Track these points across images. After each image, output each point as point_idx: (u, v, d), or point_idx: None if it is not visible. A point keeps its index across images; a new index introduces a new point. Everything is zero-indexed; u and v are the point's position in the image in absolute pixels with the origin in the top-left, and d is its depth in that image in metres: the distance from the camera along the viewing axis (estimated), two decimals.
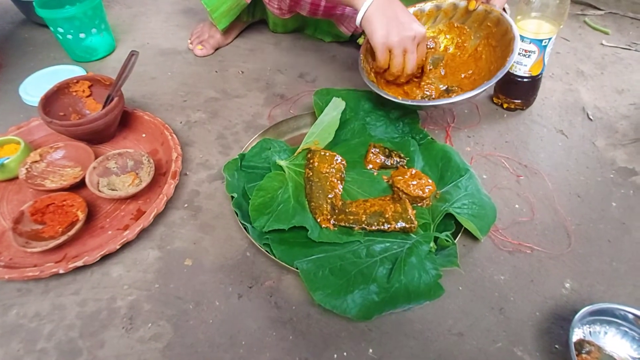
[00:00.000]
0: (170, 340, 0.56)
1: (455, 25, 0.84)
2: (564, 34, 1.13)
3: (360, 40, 1.05)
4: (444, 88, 0.81)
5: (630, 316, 0.54)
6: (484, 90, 0.69)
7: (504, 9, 0.78)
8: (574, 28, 1.16)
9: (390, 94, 0.74)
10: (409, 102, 0.74)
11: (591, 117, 0.88)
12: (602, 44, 1.09)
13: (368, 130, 0.78)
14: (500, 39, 0.76)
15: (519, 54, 0.79)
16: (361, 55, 0.80)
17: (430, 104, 0.74)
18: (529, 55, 0.78)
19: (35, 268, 0.59)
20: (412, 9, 0.82)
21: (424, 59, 0.75)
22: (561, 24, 0.77)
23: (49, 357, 0.54)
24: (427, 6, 0.82)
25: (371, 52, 0.79)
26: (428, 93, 0.80)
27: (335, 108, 0.76)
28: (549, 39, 0.76)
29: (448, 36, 0.85)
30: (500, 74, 0.69)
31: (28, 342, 0.56)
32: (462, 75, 0.82)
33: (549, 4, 0.75)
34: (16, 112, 0.89)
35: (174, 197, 0.72)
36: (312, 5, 0.91)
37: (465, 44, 0.83)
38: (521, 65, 0.80)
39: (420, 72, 0.79)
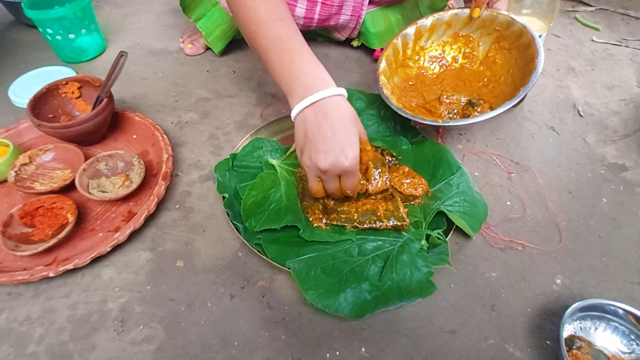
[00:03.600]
0: (162, 342, 0.55)
1: (461, 35, 0.82)
2: (555, 31, 1.13)
3: (355, 43, 1.05)
4: (465, 100, 0.76)
5: (621, 311, 0.54)
6: (514, 104, 0.68)
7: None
8: (565, 25, 1.16)
9: (423, 117, 0.71)
10: (444, 124, 0.69)
11: (582, 114, 0.88)
12: (592, 40, 1.10)
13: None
14: (514, 41, 0.74)
15: None
16: (380, 84, 0.76)
17: (462, 123, 0.70)
18: None
19: (25, 272, 0.58)
20: (413, 27, 0.81)
21: (350, 192, 0.61)
22: (552, 21, 0.77)
23: None
24: (429, 21, 0.80)
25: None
26: (449, 112, 0.76)
27: None
28: (540, 36, 0.77)
29: (454, 46, 0.83)
30: (530, 85, 0.67)
31: (18, 346, 0.55)
32: (480, 84, 0.80)
33: (540, 1, 0.76)
34: (5, 114, 0.88)
35: (165, 198, 0.71)
36: (305, 20, 0.90)
37: (474, 53, 0.82)
38: None
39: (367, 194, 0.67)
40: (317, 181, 0.60)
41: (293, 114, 0.59)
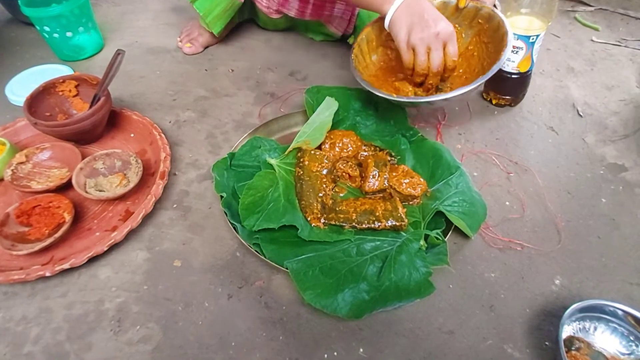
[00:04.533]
0: (159, 342, 0.55)
1: None
2: (555, 31, 1.13)
3: (351, 40, 1.05)
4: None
5: (620, 312, 0.54)
6: (478, 86, 0.69)
7: (494, 5, 0.77)
8: (565, 24, 1.16)
9: (385, 92, 0.72)
10: (405, 100, 0.71)
11: (581, 114, 0.88)
12: (592, 40, 1.09)
13: (358, 129, 0.78)
14: (492, 35, 0.75)
15: None
16: (352, 56, 0.79)
17: (425, 100, 0.70)
18: (517, 52, 0.78)
19: (21, 271, 0.58)
20: None
21: (454, 59, 0.70)
22: (550, 20, 0.77)
23: None
24: None
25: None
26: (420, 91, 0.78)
27: (328, 108, 0.75)
28: (537, 35, 0.76)
29: None
30: (495, 68, 0.69)
31: (15, 346, 0.55)
32: (454, 74, 0.79)
33: (539, 0, 0.75)
34: (2, 113, 0.88)
35: (163, 198, 0.71)
36: (300, 5, 0.90)
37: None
38: (509, 61, 0.80)
39: (450, 72, 0.72)
40: (426, 54, 0.68)
41: (392, 10, 0.69)
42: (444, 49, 0.68)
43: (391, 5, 0.69)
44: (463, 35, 0.80)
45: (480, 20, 0.77)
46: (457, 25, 0.80)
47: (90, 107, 0.74)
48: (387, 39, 0.84)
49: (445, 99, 0.68)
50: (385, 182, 0.66)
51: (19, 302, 0.59)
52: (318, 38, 1.08)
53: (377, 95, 0.72)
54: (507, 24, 0.72)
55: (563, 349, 0.49)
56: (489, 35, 0.75)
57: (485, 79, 0.68)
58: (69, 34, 0.96)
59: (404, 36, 0.68)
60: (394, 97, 0.71)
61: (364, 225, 0.63)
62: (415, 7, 0.68)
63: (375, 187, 0.65)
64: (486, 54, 0.76)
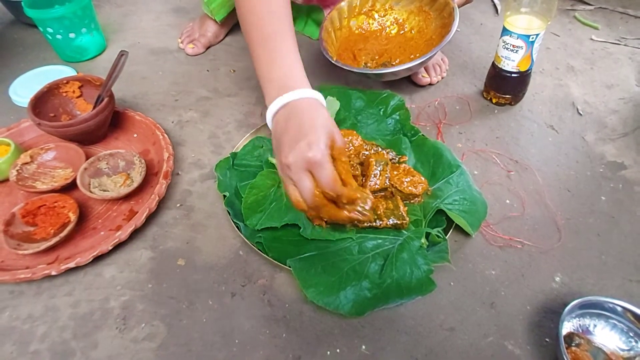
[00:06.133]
0: (163, 339, 0.56)
1: (424, 10, 0.89)
2: (554, 30, 1.13)
3: None
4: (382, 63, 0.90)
5: (619, 309, 0.55)
6: (429, 58, 0.77)
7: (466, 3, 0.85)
8: (564, 23, 1.16)
9: (349, 65, 0.82)
10: (366, 71, 0.81)
11: (581, 112, 0.88)
12: (591, 39, 1.10)
13: (360, 129, 0.79)
14: (447, 25, 0.81)
15: (507, 48, 0.80)
16: (325, 22, 0.87)
17: (385, 71, 0.80)
18: (517, 51, 0.79)
19: (27, 270, 0.59)
20: None
21: (332, 185, 0.52)
22: (549, 19, 0.77)
23: (42, 358, 0.54)
24: None
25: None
26: (365, 64, 0.91)
27: (329, 108, 0.76)
28: (537, 34, 0.77)
29: (417, 18, 0.91)
30: (440, 46, 0.76)
31: (21, 344, 0.56)
32: (411, 56, 0.89)
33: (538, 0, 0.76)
34: (6, 114, 0.89)
35: (167, 197, 0.72)
36: None
37: (425, 30, 0.89)
38: (509, 60, 0.81)
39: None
40: (291, 186, 0.54)
41: (267, 118, 0.58)
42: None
43: (268, 108, 0.58)
44: (432, 24, 0.88)
45: (445, 14, 0.84)
46: (431, 13, 0.88)
47: (94, 107, 0.75)
48: (371, 9, 0.93)
49: (392, 72, 0.79)
50: (387, 181, 0.66)
51: (25, 301, 0.60)
52: (315, 36, 1.08)
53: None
54: (455, 23, 0.79)
55: (563, 345, 0.50)
56: (448, 29, 0.81)
57: (433, 54, 0.77)
58: (71, 35, 0.97)
59: (275, 159, 0.57)
60: (357, 70, 0.80)
61: (365, 224, 0.63)
62: (281, 126, 0.55)
63: (376, 186, 0.66)
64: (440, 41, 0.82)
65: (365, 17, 0.93)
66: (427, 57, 0.76)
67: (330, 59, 0.81)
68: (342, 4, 0.90)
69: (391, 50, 0.92)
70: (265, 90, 0.60)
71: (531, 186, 0.74)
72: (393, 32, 0.94)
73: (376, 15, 0.94)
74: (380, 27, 0.95)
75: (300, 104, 0.55)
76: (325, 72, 0.99)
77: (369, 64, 0.91)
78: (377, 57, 0.92)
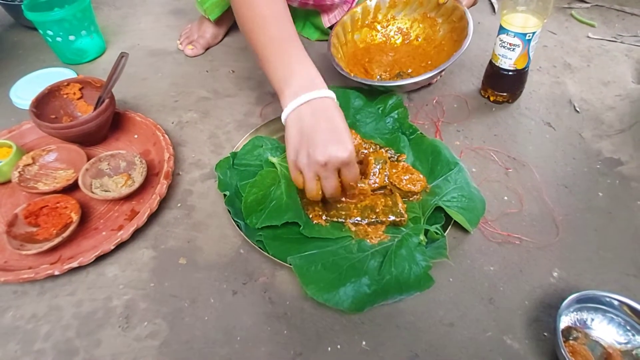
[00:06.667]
0: (166, 337, 0.56)
1: (428, 16, 0.90)
2: (551, 27, 1.14)
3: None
4: (397, 73, 0.90)
5: (616, 303, 0.55)
6: (443, 70, 0.78)
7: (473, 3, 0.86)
8: (561, 21, 1.17)
9: (361, 77, 0.83)
10: (377, 84, 0.80)
11: (578, 109, 0.89)
12: (588, 37, 1.10)
13: (358, 128, 0.79)
14: (460, 33, 0.81)
15: (504, 46, 0.80)
16: (332, 35, 0.87)
17: (394, 84, 0.80)
18: (513, 49, 0.80)
19: (30, 270, 0.59)
20: None
21: (353, 184, 0.61)
22: (546, 17, 0.78)
23: (46, 357, 0.55)
24: None
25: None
26: (380, 76, 0.90)
27: None
28: (533, 32, 0.77)
29: (421, 25, 0.91)
30: (456, 55, 0.77)
31: (25, 343, 0.56)
32: (423, 64, 0.89)
33: None
34: (7, 116, 0.89)
35: (168, 197, 0.72)
36: None
37: (433, 36, 0.89)
38: (506, 58, 0.82)
39: (361, 193, 0.66)
40: (315, 181, 0.59)
41: (286, 111, 0.59)
42: (340, 173, 0.59)
43: (288, 103, 0.59)
44: (440, 29, 0.88)
45: (454, 19, 0.84)
46: (437, 19, 0.89)
47: (95, 109, 0.76)
48: (373, 20, 0.94)
49: (415, 82, 0.79)
50: (386, 179, 0.67)
51: (28, 301, 0.60)
52: (314, 37, 1.09)
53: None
54: (470, 28, 0.80)
55: (561, 339, 0.51)
56: (458, 33, 0.82)
57: (449, 65, 0.77)
58: (71, 37, 0.98)
59: (291, 153, 0.59)
60: (374, 82, 0.80)
61: (364, 221, 0.64)
62: (308, 121, 0.57)
63: (376, 184, 0.66)
64: (454, 50, 0.82)
65: (368, 29, 0.93)
66: (449, 63, 0.77)
67: (347, 75, 0.81)
68: (345, 17, 0.90)
69: (400, 60, 0.92)
70: (282, 87, 0.61)
71: (529, 183, 0.75)
72: (398, 41, 0.95)
73: (379, 27, 0.94)
74: (384, 39, 0.95)
75: (324, 103, 0.59)
76: (322, 72, 0.99)
77: (382, 76, 0.90)
78: (388, 69, 0.91)
